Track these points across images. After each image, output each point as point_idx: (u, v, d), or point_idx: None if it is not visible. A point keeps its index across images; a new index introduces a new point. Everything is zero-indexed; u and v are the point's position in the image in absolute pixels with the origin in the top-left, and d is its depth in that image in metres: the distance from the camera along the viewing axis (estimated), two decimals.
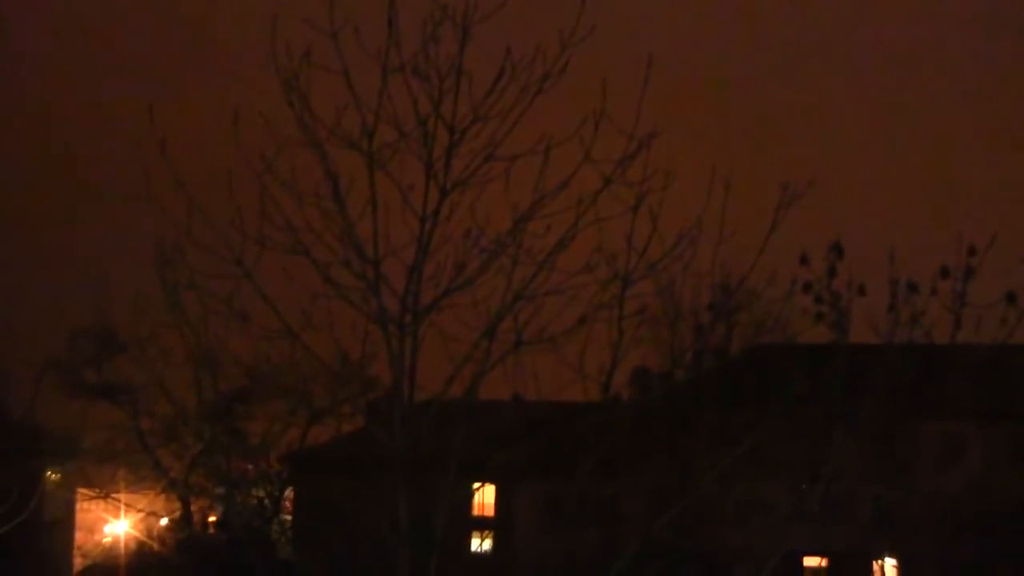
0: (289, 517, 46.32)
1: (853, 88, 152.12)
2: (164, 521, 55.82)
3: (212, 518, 44.06)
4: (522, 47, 28.12)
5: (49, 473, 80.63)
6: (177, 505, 44.14)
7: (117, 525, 74.90)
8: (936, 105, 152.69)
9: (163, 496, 46.27)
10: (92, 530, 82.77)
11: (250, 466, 37.08)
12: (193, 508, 41.88)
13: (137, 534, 69.03)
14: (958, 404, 73.58)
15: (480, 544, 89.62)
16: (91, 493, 69.17)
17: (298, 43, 27.88)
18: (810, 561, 72.61)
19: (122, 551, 69.73)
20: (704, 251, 30.79)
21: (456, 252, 29.36)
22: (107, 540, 77.88)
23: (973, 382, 55.55)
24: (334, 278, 29.41)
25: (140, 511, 57.40)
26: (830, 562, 74.78)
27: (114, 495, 51.41)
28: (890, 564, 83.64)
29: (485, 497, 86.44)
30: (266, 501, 37.24)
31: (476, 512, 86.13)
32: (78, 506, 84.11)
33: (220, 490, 37.73)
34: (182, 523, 42.96)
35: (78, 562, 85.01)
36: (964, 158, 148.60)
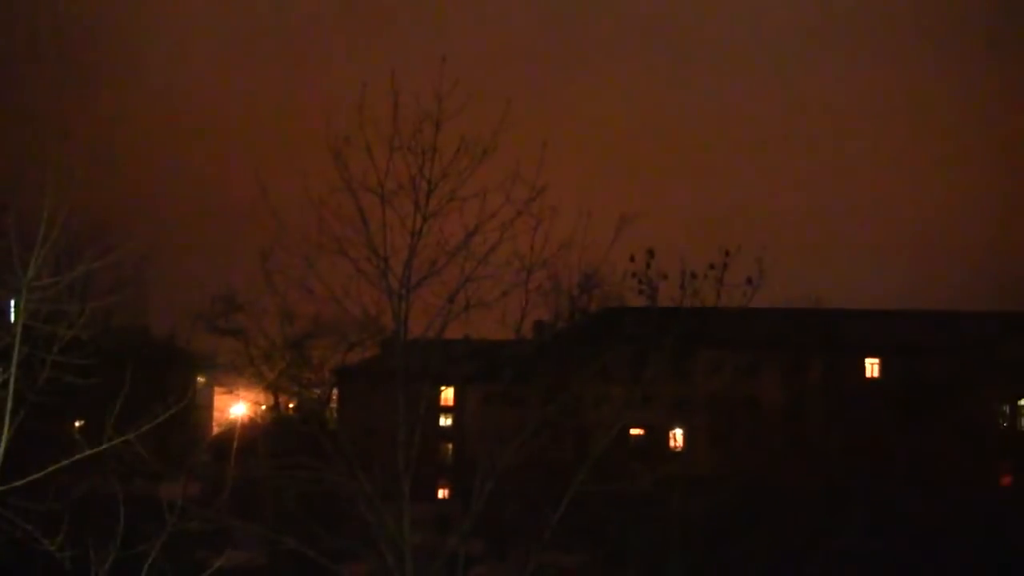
0: (335, 405, 45.91)
1: (666, 135, 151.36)
2: (264, 407, 55.36)
3: (292, 405, 43.59)
4: (473, 130, 27.90)
5: (199, 378, 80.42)
6: (271, 398, 43.74)
7: (237, 408, 74.56)
8: (723, 155, 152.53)
9: (264, 392, 45.70)
10: (223, 411, 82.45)
11: (313, 376, 36.53)
12: (281, 400, 41.46)
13: (249, 414, 68.62)
14: (719, 339, 73.25)
15: (445, 421, 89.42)
16: (223, 390, 68.62)
17: (343, 129, 27.65)
18: (635, 431, 72.22)
19: (239, 423, 69.36)
20: (575, 253, 30.53)
21: (432, 253, 29.14)
22: (232, 417, 77.47)
23: (729, 327, 55.41)
24: (361, 267, 29.09)
25: (250, 401, 56.98)
26: (645, 431, 74.47)
27: (236, 391, 50.96)
28: (680, 432, 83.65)
29: (448, 394, 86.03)
30: (321, 396, 36.44)
31: (443, 403, 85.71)
32: (215, 398, 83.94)
33: (296, 389, 37.15)
34: (274, 408, 42.54)
35: (215, 429, 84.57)
36: (734, 186, 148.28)
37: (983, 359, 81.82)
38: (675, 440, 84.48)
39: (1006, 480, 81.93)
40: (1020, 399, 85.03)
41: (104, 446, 16.42)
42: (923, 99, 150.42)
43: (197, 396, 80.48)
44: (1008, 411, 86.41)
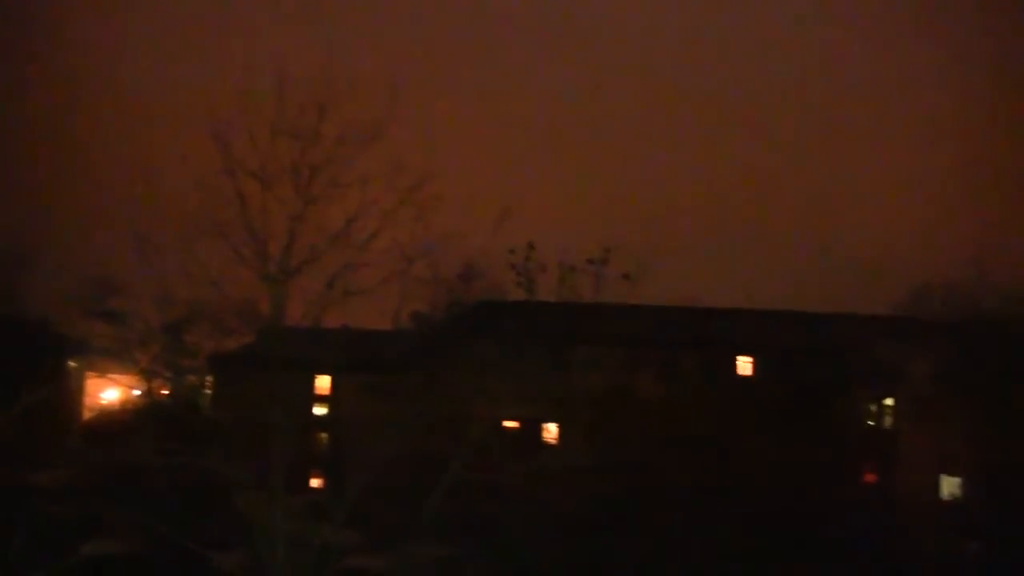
0: (209, 392, 45.40)
1: (551, 130, 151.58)
2: (136, 392, 54.74)
3: (165, 391, 42.92)
4: (357, 118, 27.72)
5: (71, 362, 79.17)
6: (145, 383, 42.87)
7: (109, 393, 73.78)
8: (605, 151, 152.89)
9: (137, 377, 44.87)
10: (94, 396, 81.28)
11: (187, 362, 36.07)
12: (154, 385, 40.71)
13: (121, 398, 68.09)
14: (596, 335, 73.42)
15: (320, 410, 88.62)
16: (95, 374, 67.71)
17: (226, 113, 27.39)
18: (510, 423, 71.97)
19: (111, 408, 68.72)
20: (456, 244, 30.43)
21: (312, 239, 28.89)
22: (103, 402, 76.56)
23: (606, 323, 55.58)
24: (240, 252, 28.78)
25: (123, 385, 56.26)
26: (521, 424, 74.33)
27: (108, 375, 50.15)
28: (554, 426, 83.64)
29: (324, 383, 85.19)
30: (196, 382, 36.10)
31: (319, 392, 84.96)
32: (87, 382, 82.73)
33: (170, 375, 36.63)
34: (147, 394, 41.84)
35: (87, 414, 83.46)
36: (615, 183, 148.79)
37: (853, 361, 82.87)
38: (550, 433, 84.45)
39: (870, 477, 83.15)
40: (885, 399, 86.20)
41: None
42: (810, 104, 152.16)
43: (69, 380, 79.28)
44: (875, 411, 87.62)
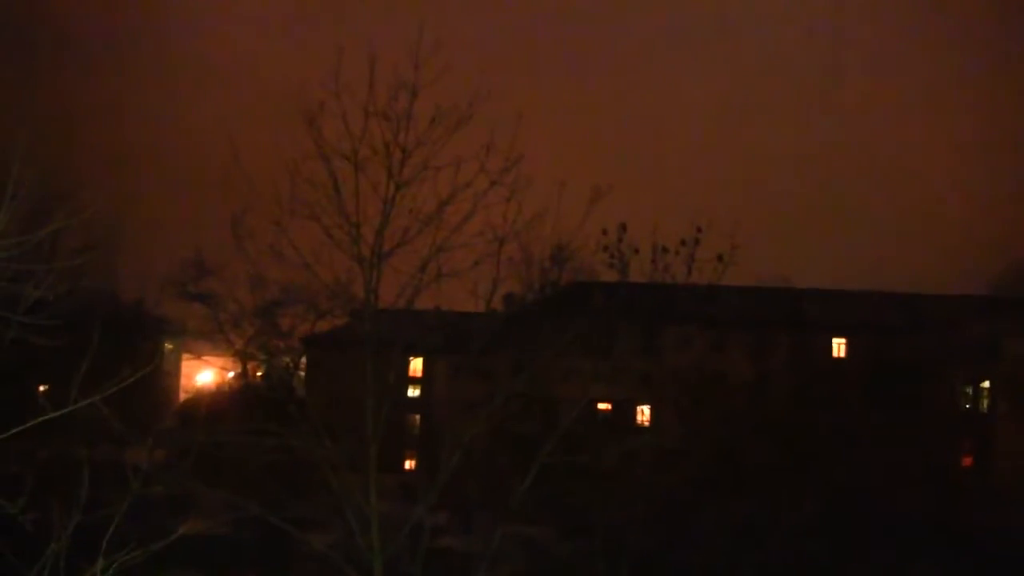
0: (303, 373, 45.65)
1: (642, 108, 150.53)
2: (231, 374, 55.02)
3: (259, 373, 43.18)
4: (449, 98, 27.72)
5: (167, 344, 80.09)
6: (239, 365, 43.14)
7: (204, 375, 74.45)
8: (697, 130, 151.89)
9: (232, 359, 45.15)
10: (190, 378, 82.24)
11: (282, 343, 36.27)
12: (249, 367, 41.04)
13: (216, 380, 68.71)
14: (688, 315, 73.13)
15: (413, 392, 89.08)
16: (191, 356, 68.54)
17: (317, 94, 27.53)
18: (602, 405, 71.78)
19: (206, 390, 69.44)
20: (548, 225, 30.40)
21: (404, 221, 28.99)
22: (199, 384, 77.49)
23: (697, 303, 55.24)
24: (333, 234, 28.93)
25: (218, 367, 56.61)
26: (612, 406, 74.16)
27: (203, 357, 50.53)
28: (647, 408, 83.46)
29: (416, 365, 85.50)
30: (290, 364, 36.28)
31: (412, 374, 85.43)
32: (183, 364, 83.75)
33: (265, 356, 36.86)
34: (242, 375, 42.17)
35: (182, 395, 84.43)
36: (707, 162, 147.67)
37: (947, 341, 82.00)
38: (643, 415, 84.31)
39: (967, 460, 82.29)
40: (982, 381, 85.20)
41: (69, 408, 16.10)
42: (901, 81, 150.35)
43: (164, 362, 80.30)
44: (971, 392, 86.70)
